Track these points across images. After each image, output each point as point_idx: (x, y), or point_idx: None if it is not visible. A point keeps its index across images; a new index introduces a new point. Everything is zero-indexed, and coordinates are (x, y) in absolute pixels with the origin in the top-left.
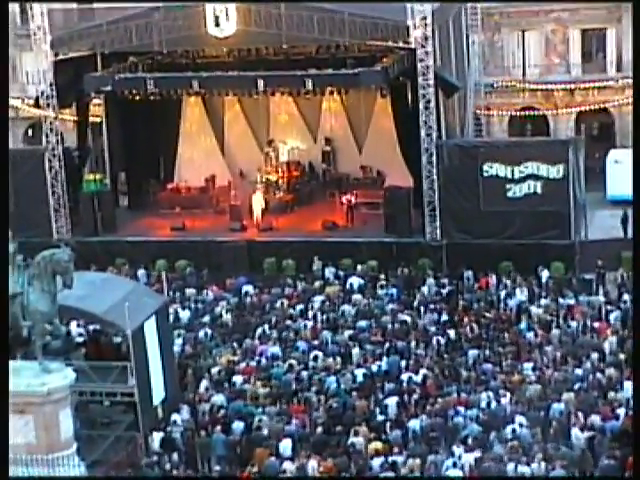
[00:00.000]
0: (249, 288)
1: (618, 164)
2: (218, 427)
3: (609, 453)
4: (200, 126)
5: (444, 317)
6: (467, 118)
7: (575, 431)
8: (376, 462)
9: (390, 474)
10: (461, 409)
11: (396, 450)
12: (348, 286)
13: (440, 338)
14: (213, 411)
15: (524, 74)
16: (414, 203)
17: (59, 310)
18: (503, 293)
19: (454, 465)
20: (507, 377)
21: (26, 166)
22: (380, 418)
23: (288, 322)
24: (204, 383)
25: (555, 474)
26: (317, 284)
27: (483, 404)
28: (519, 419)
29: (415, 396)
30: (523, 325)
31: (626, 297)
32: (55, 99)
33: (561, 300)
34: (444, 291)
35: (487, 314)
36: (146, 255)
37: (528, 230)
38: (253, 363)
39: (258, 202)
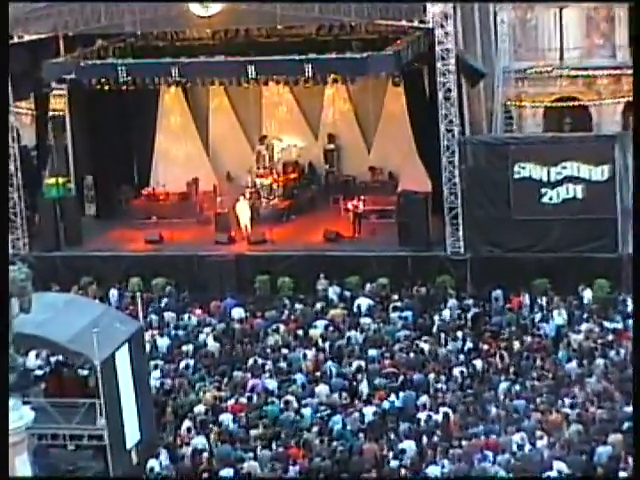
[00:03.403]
0: (238, 311)
1: None
2: (204, 475)
3: None
4: (181, 121)
5: (468, 345)
6: (495, 110)
7: None
8: None
9: None
10: (489, 453)
11: None
12: (355, 308)
13: (464, 369)
14: (196, 456)
15: (562, 58)
16: (433, 210)
17: (15, 338)
18: (538, 316)
19: None
20: (543, 415)
21: None
22: (393, 464)
23: (285, 351)
24: (186, 423)
25: None
26: (319, 306)
27: (515, 447)
28: (558, 465)
29: (435, 438)
30: (562, 354)
31: None
32: (9, 89)
33: (606, 324)
34: (469, 314)
35: (519, 341)
36: (117, 272)
37: (567, 242)
38: (243, 399)
39: (244, 210)
